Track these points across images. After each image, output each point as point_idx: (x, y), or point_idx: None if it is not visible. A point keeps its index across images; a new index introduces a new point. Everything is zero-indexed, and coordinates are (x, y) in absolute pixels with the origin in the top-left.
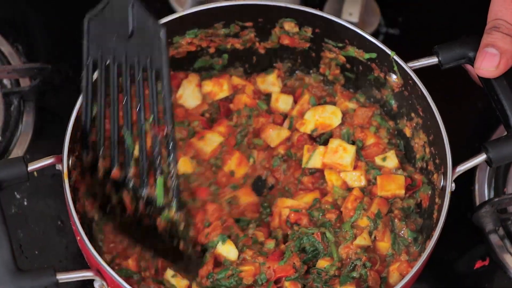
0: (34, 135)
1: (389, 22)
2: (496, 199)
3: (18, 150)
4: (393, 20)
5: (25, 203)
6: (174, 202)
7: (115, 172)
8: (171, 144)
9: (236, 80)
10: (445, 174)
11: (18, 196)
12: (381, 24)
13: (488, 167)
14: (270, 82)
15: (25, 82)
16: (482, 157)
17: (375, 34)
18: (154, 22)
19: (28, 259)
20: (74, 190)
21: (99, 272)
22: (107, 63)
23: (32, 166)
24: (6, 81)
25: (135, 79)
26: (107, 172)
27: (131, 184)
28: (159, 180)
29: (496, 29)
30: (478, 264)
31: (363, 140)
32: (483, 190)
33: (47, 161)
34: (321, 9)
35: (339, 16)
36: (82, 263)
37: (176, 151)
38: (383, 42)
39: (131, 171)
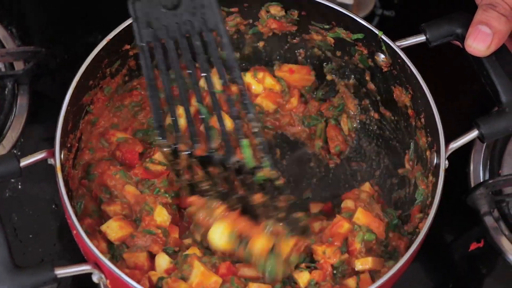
0: (28, 118)
1: (384, 4)
2: (491, 181)
3: (12, 133)
4: (389, 2)
5: (19, 186)
6: (266, 159)
7: (198, 150)
8: (246, 100)
9: None
10: (438, 151)
11: (12, 180)
12: (376, 6)
13: (484, 149)
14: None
15: (19, 66)
16: (474, 133)
17: (370, 16)
18: None
19: (22, 242)
20: (66, 183)
21: (97, 265)
22: (162, 41)
23: (24, 162)
24: (0, 65)
25: (194, 48)
26: (189, 154)
27: (217, 157)
28: (245, 142)
29: (493, 7)
30: (473, 246)
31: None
32: (478, 172)
33: (39, 156)
34: None
35: None
36: (76, 247)
37: (253, 107)
38: (379, 24)
39: (215, 142)
